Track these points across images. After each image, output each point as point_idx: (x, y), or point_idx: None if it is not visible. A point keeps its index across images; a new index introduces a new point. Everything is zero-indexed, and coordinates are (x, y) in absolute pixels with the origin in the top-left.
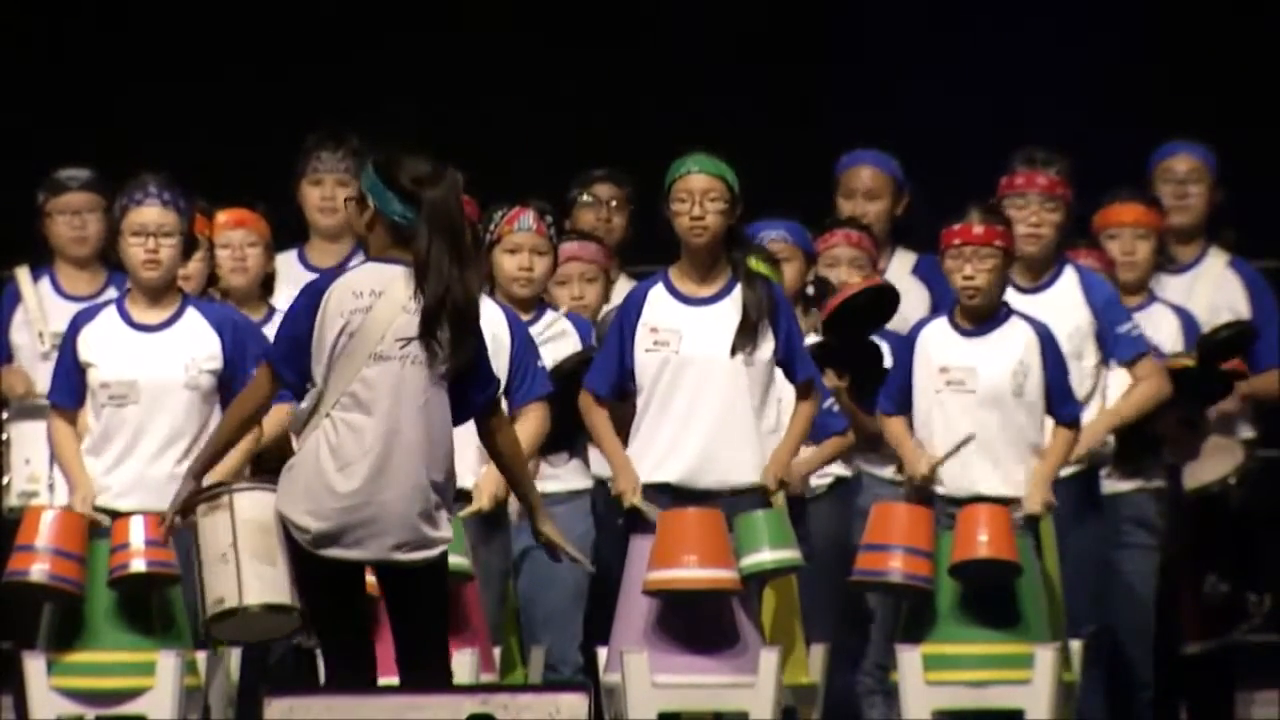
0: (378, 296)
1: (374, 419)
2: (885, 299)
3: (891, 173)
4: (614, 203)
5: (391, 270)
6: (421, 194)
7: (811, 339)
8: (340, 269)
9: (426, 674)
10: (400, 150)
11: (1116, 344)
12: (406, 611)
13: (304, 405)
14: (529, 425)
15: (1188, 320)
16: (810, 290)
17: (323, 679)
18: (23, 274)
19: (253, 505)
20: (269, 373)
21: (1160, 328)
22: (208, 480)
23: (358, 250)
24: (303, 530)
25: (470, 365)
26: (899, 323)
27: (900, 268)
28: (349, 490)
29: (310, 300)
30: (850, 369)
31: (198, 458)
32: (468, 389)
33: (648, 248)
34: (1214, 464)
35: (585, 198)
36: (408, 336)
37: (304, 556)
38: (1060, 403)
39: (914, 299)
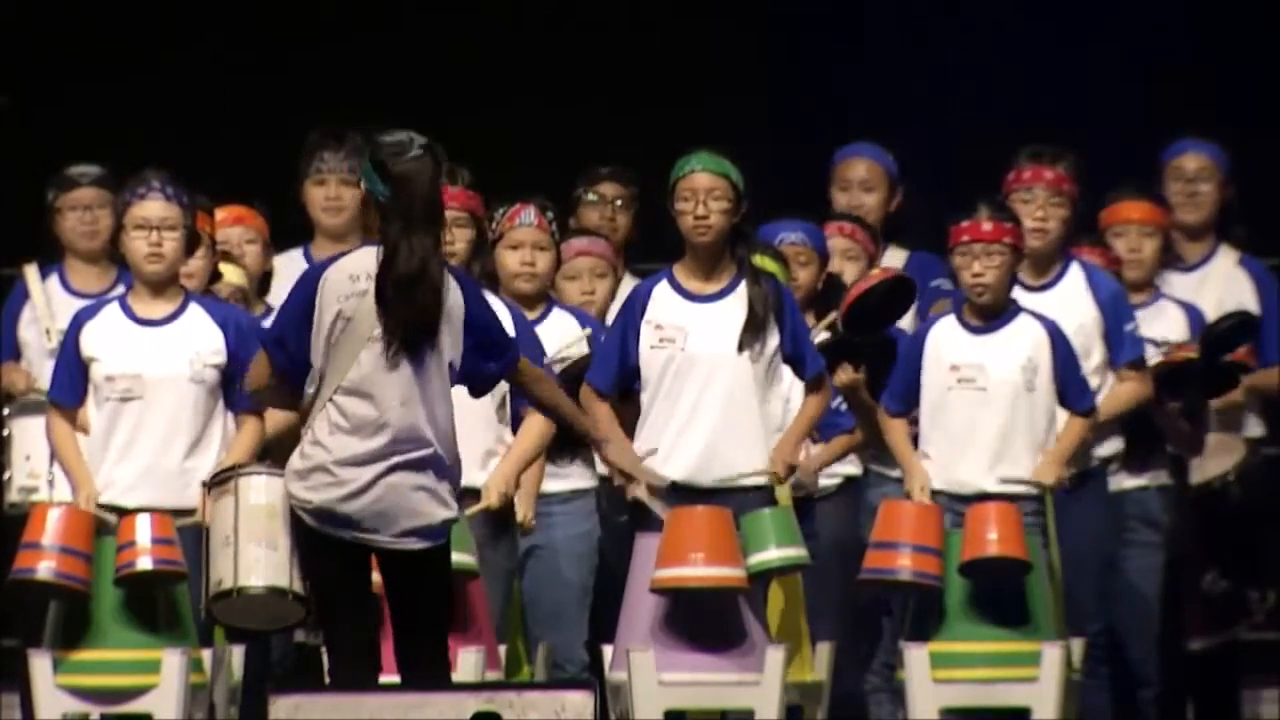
0: (370, 280)
1: (374, 402)
2: (903, 291)
3: (887, 166)
4: (619, 201)
5: (374, 252)
6: (392, 169)
7: (823, 336)
8: (337, 256)
9: (422, 667)
10: (383, 130)
11: (1120, 343)
12: (408, 599)
13: (308, 390)
14: (541, 422)
15: (1195, 316)
16: (820, 287)
17: (326, 671)
18: (31, 271)
19: (259, 489)
20: (264, 357)
21: (1167, 324)
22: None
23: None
24: (311, 510)
25: (480, 334)
26: None
27: (892, 264)
28: (355, 474)
29: (308, 288)
30: (866, 363)
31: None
32: (479, 360)
33: (652, 246)
34: (1215, 460)
35: (590, 196)
36: None
37: (313, 538)
38: (1075, 395)
39: None
